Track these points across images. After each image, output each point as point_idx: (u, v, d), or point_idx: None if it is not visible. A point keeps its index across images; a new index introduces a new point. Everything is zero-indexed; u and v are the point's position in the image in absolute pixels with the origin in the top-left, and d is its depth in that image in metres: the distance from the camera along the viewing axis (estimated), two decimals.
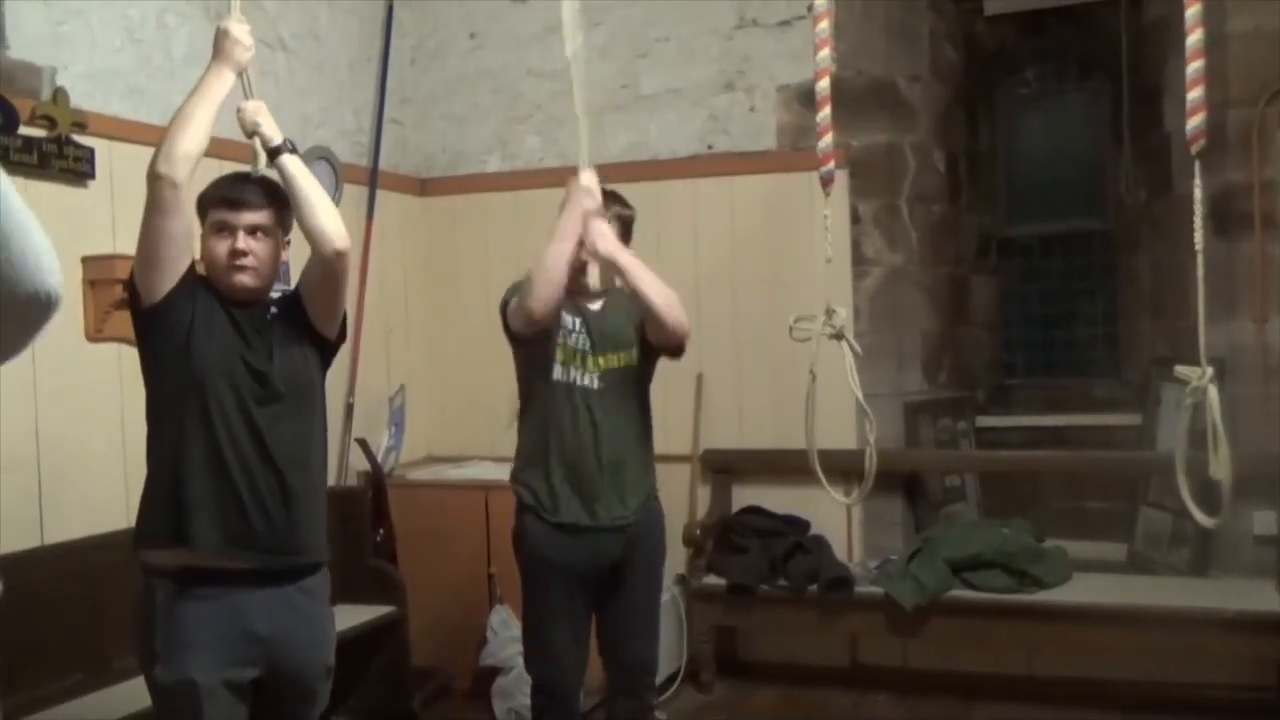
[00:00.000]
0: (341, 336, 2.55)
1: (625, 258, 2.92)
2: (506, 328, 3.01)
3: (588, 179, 2.91)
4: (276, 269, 2.42)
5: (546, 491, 2.96)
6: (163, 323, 2.32)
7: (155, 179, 2.23)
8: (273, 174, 2.41)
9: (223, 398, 2.30)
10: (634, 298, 2.94)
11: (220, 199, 2.37)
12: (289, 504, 2.33)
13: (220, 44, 2.34)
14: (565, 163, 4.62)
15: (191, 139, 2.25)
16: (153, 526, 2.35)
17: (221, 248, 2.35)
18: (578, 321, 2.98)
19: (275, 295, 2.48)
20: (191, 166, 2.25)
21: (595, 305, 3.03)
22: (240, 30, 2.34)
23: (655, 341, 3.00)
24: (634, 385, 3.05)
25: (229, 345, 2.33)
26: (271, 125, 2.40)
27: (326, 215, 2.37)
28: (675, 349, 3.01)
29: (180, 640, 2.28)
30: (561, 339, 2.96)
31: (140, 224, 2.30)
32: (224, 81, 2.34)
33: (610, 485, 2.96)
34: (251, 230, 2.35)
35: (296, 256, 2.51)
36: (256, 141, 2.41)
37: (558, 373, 2.96)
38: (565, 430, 2.95)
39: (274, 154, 2.38)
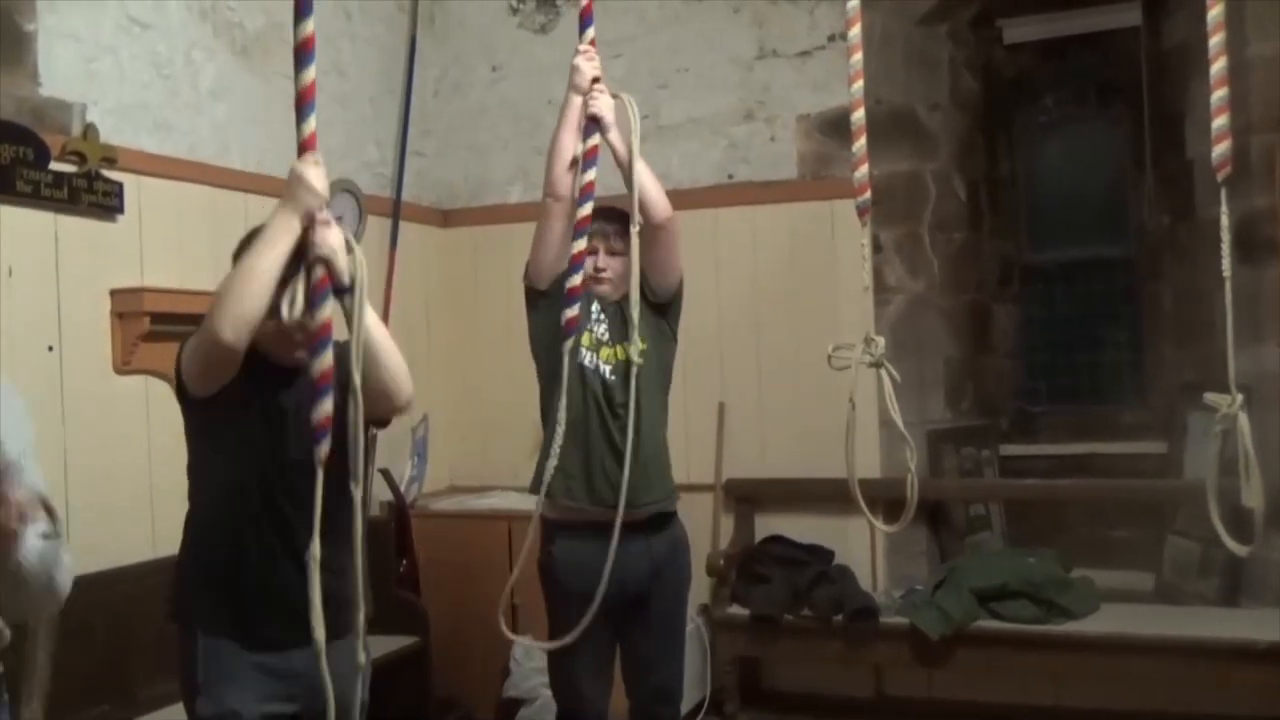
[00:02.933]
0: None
1: (618, 130, 2.93)
2: (530, 292, 3.05)
3: (578, 58, 2.91)
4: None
5: (566, 483, 2.95)
6: (209, 413, 2.31)
7: (218, 344, 2.06)
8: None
9: (254, 492, 2.30)
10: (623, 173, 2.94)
11: None
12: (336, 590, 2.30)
13: (292, 189, 1.96)
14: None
15: (257, 297, 2.03)
16: (196, 607, 2.38)
17: (279, 338, 2.20)
18: (599, 311, 3.02)
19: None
20: (252, 327, 2.06)
21: (610, 294, 3.05)
22: (314, 174, 1.95)
23: (645, 228, 2.96)
24: (649, 369, 3.03)
25: (273, 445, 2.30)
26: (343, 260, 1.93)
27: (397, 367, 2.27)
28: (663, 223, 2.97)
29: (221, 673, 2.30)
30: (586, 325, 2.98)
31: (193, 350, 2.20)
32: (292, 232, 1.97)
33: (631, 470, 2.94)
34: None
35: None
36: (318, 270, 1.87)
37: (581, 356, 2.98)
38: (584, 412, 2.95)
39: (341, 293, 1.95)
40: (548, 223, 2.99)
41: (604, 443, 2.96)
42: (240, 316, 2.05)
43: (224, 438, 2.32)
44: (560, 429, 2.76)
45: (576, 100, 2.91)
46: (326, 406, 1.74)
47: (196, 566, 2.38)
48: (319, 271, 1.85)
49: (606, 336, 3.02)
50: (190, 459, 2.41)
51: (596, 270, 3.01)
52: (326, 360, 1.75)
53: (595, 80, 2.87)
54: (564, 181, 2.92)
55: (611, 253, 3.02)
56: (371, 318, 2.15)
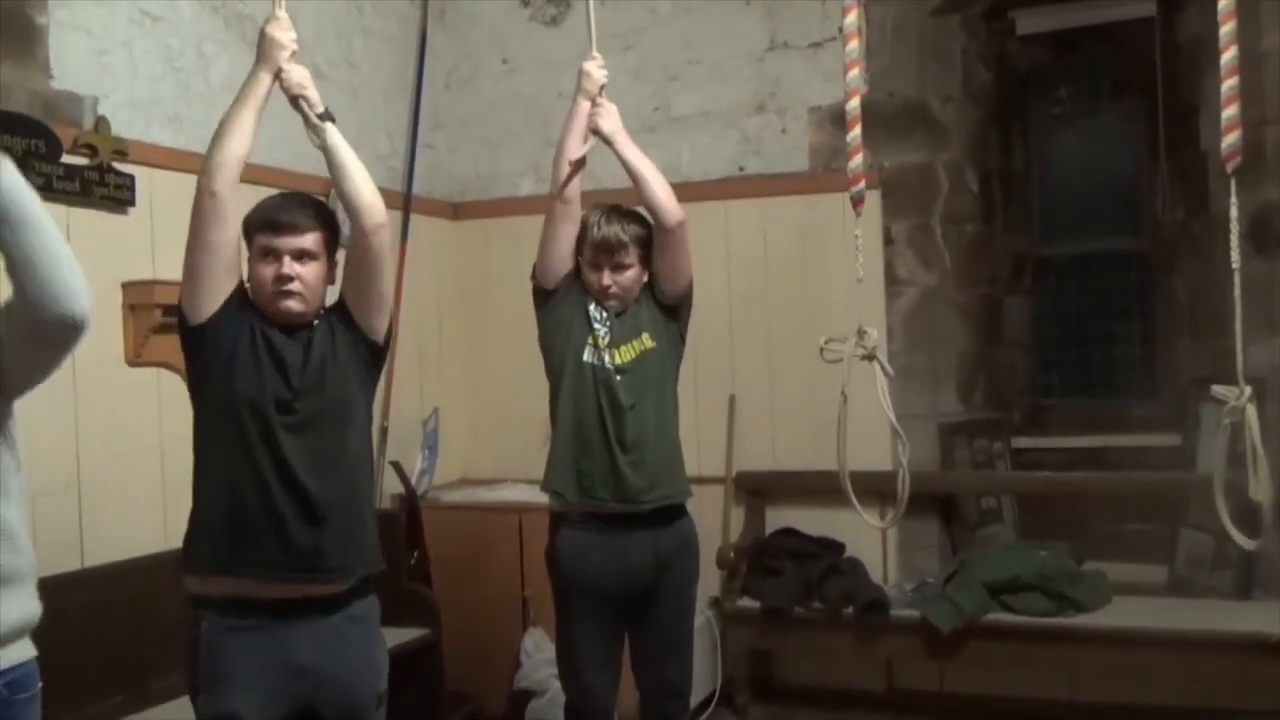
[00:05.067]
0: (388, 341, 2.53)
1: (625, 136, 3.00)
2: (538, 291, 3.06)
3: (588, 64, 2.98)
4: (324, 293, 2.40)
5: (575, 483, 2.96)
6: (207, 344, 2.32)
7: (202, 189, 2.24)
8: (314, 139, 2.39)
9: (251, 425, 2.29)
10: (633, 182, 2.98)
11: (265, 223, 2.35)
12: (318, 525, 2.32)
13: (260, 46, 2.32)
14: (598, 186, 4.62)
15: (229, 145, 2.25)
16: (194, 551, 2.37)
17: (267, 273, 2.33)
18: (603, 314, 3.02)
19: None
20: (231, 174, 2.24)
21: (618, 308, 3.05)
22: (278, 31, 2.31)
23: (655, 231, 3.00)
24: (655, 369, 3.05)
25: (266, 375, 2.31)
26: (314, 91, 2.36)
27: (368, 187, 2.37)
28: (672, 227, 2.98)
29: (222, 672, 2.28)
30: (591, 325, 2.99)
31: (188, 239, 2.31)
32: (261, 84, 2.31)
33: (632, 465, 2.96)
34: (298, 255, 2.33)
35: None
36: (303, 105, 2.36)
37: (587, 354, 2.98)
38: (589, 411, 2.96)
39: (320, 119, 2.35)
40: (554, 224, 3.01)
41: (608, 441, 2.96)
42: (223, 162, 2.23)
43: (222, 374, 2.32)
44: (567, 427, 2.78)
45: (584, 105, 2.97)
46: None
47: (201, 513, 2.37)
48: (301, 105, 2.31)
49: (610, 338, 3.01)
50: (194, 409, 2.41)
51: (604, 287, 3.01)
52: None
53: (601, 89, 2.94)
54: (569, 185, 2.95)
55: (617, 268, 3.00)
56: (340, 140, 2.37)
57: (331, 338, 2.40)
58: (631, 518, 2.95)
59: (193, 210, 2.26)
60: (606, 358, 2.99)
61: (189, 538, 2.39)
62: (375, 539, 2.48)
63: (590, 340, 2.99)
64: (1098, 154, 5.22)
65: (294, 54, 2.31)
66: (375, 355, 2.48)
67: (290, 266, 2.31)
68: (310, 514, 2.30)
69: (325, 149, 2.35)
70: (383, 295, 2.46)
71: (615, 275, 3.00)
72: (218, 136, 2.26)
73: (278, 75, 2.31)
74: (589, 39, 3.09)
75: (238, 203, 2.30)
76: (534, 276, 3.09)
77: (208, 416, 2.36)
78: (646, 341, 3.02)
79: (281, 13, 2.32)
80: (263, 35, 2.31)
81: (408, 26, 4.90)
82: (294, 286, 2.31)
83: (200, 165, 2.26)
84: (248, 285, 2.39)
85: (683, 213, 2.99)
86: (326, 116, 2.35)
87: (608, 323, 3.02)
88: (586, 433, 2.96)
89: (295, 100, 2.35)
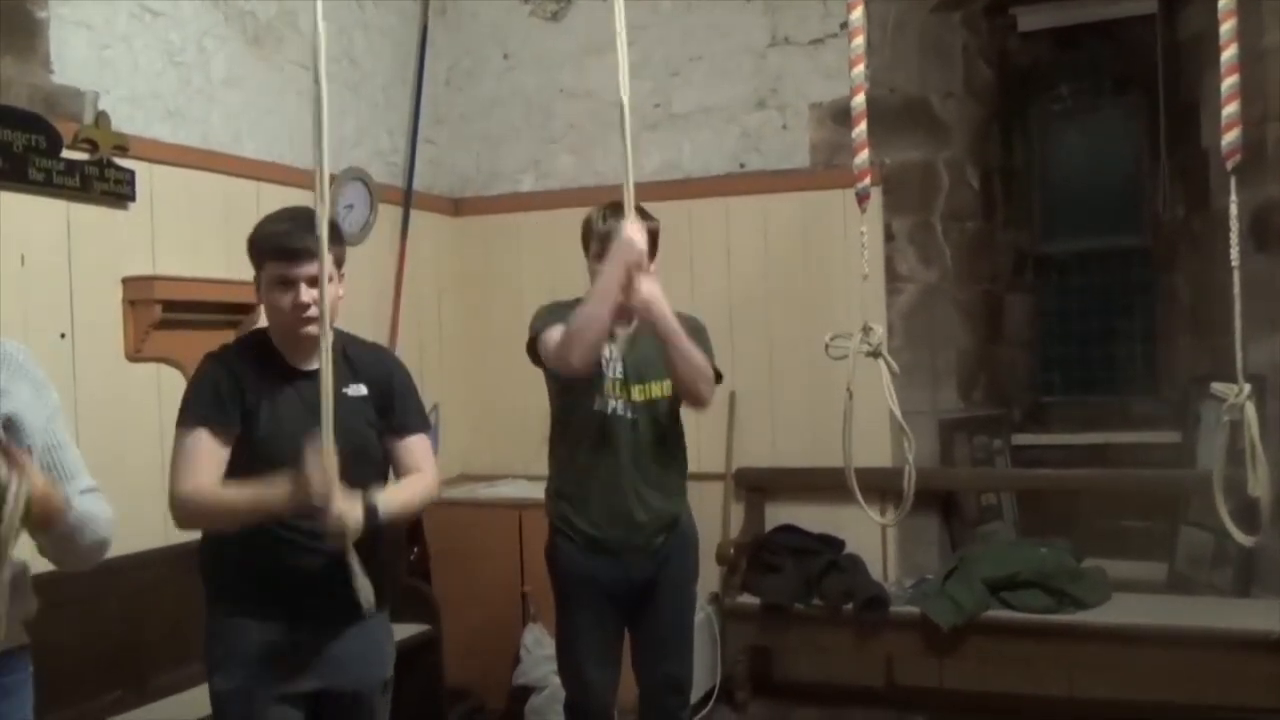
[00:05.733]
0: None
1: (671, 321, 2.83)
2: (536, 360, 3.02)
3: (631, 229, 2.72)
4: (338, 308, 2.39)
5: (580, 518, 2.99)
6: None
7: (173, 509, 2.31)
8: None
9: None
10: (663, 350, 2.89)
11: (278, 251, 2.31)
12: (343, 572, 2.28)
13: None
14: (599, 182, 4.65)
15: (211, 522, 2.35)
16: (223, 594, 2.40)
17: (285, 301, 2.32)
18: (613, 350, 2.97)
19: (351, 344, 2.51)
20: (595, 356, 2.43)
21: (626, 330, 3.00)
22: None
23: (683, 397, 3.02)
24: (667, 414, 3.05)
25: (291, 425, 2.29)
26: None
27: (423, 501, 2.47)
28: (698, 410, 3.01)
29: (237, 651, 2.32)
30: (600, 369, 2.94)
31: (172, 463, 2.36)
32: (276, 504, 2.21)
33: (641, 509, 2.97)
34: (312, 281, 2.27)
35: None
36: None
37: (597, 403, 2.96)
38: (600, 458, 2.95)
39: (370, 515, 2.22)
40: (568, 366, 2.85)
41: (616, 486, 2.95)
42: (197, 526, 2.36)
43: (244, 433, 2.34)
44: (571, 468, 2.80)
45: (619, 276, 2.73)
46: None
47: (220, 551, 2.40)
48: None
49: (623, 376, 2.98)
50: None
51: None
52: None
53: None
54: (590, 357, 2.82)
55: (619, 318, 2.90)
56: (397, 500, 2.40)
57: (366, 407, 2.45)
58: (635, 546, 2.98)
59: (171, 508, 2.32)
60: (617, 404, 2.96)
61: (211, 574, 2.45)
62: (397, 574, 2.53)
63: (599, 388, 2.96)
64: (1098, 151, 5.22)
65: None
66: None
67: (307, 294, 2.29)
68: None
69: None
70: None
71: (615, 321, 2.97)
72: (207, 513, 2.30)
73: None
74: (621, 79, 2.66)
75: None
76: (535, 355, 3.00)
77: (239, 465, 2.36)
78: (654, 390, 3.00)
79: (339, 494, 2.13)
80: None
81: (409, 22, 4.90)
82: (313, 313, 2.28)
83: (177, 503, 2.29)
84: (243, 333, 2.47)
85: (711, 396, 2.96)
86: (374, 514, 2.23)
87: (619, 362, 2.98)
88: (592, 476, 2.96)
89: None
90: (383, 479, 2.48)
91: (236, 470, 2.31)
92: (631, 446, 2.95)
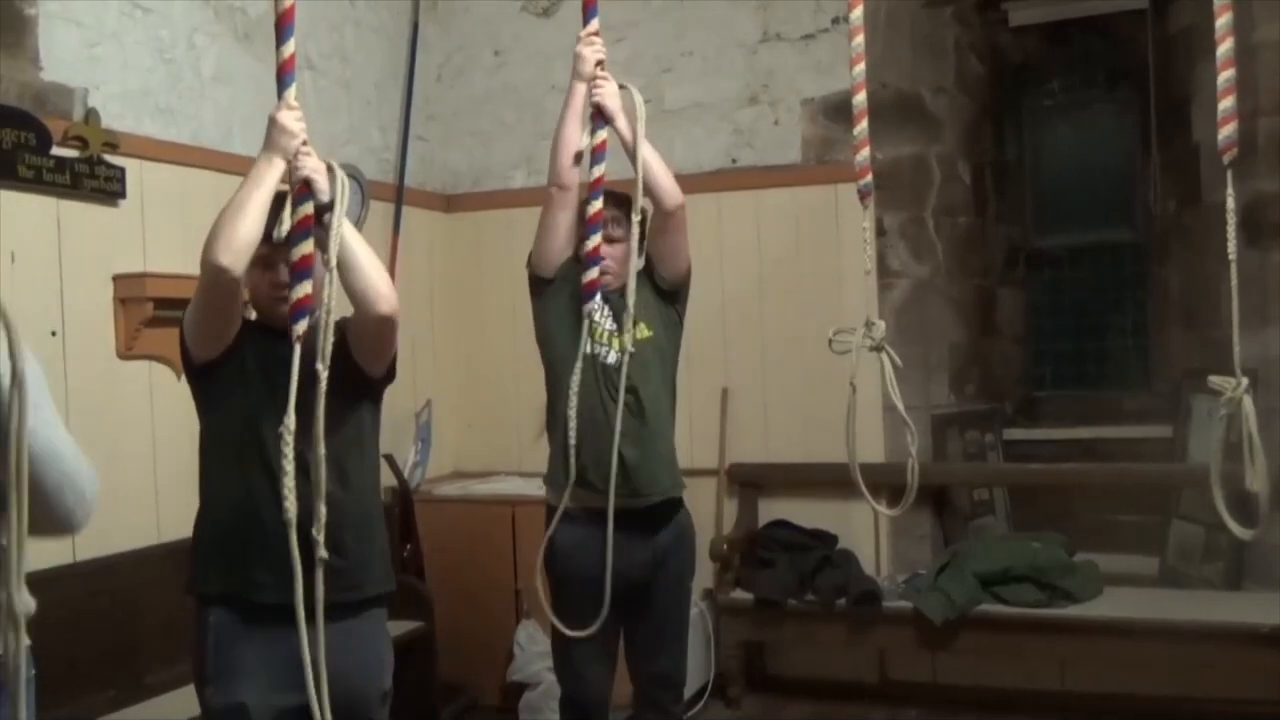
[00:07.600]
0: (390, 374, 2.51)
1: (625, 117, 2.90)
2: (535, 280, 3.03)
3: (580, 46, 2.85)
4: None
5: (574, 469, 2.89)
6: (213, 379, 2.33)
7: (217, 270, 2.16)
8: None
9: (257, 450, 2.28)
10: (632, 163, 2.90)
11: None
12: (339, 544, 2.27)
13: (269, 133, 2.18)
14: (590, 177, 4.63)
15: (249, 229, 2.17)
16: (203, 575, 2.38)
17: (264, 281, 2.33)
18: (602, 302, 2.98)
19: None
20: (246, 255, 2.18)
21: (617, 290, 2.99)
22: (288, 119, 2.15)
23: (655, 215, 2.98)
24: (655, 358, 3.04)
25: (271, 398, 2.22)
26: (323, 179, 2.16)
27: (377, 276, 2.29)
28: (672, 210, 2.97)
29: (231, 665, 2.29)
30: (590, 315, 2.91)
31: (194, 298, 2.28)
32: (275, 170, 2.19)
33: (635, 459, 2.94)
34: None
35: None
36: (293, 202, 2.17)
37: (587, 345, 2.93)
38: (590, 403, 2.92)
39: (323, 211, 2.17)
40: (552, 212, 2.98)
41: (611, 431, 2.94)
42: (232, 243, 2.16)
43: (227, 405, 2.32)
44: (572, 413, 2.76)
45: (580, 88, 2.87)
46: (305, 287, 2.01)
47: (206, 537, 2.38)
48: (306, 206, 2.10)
49: (613, 326, 3.00)
50: (200, 434, 2.41)
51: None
52: (306, 288, 2.01)
53: (599, 65, 2.84)
54: (569, 173, 2.92)
55: (610, 240, 2.94)
56: (350, 231, 2.24)
57: (337, 365, 2.39)
58: (632, 513, 2.93)
59: (209, 286, 2.21)
60: (607, 348, 2.98)
61: (196, 559, 2.39)
62: (388, 559, 2.50)
63: (590, 331, 2.97)
64: (1090, 145, 5.23)
65: (305, 141, 2.17)
66: (374, 386, 2.49)
67: (287, 274, 2.25)
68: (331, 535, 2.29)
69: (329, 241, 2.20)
70: (389, 356, 2.47)
71: (609, 247, 2.96)
72: (236, 218, 2.18)
73: (290, 158, 2.18)
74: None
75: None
76: (530, 264, 3.06)
77: (217, 437, 2.36)
78: (643, 330, 3.01)
79: (293, 100, 2.15)
80: (270, 122, 2.17)
81: (399, 18, 4.88)
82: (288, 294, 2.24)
83: (216, 244, 2.16)
84: (247, 305, 2.39)
85: (682, 196, 2.98)
86: (328, 208, 2.16)
87: (607, 311, 3.01)
88: (587, 426, 2.94)
89: (299, 186, 2.17)
90: (366, 445, 2.48)
91: (213, 430, 2.35)
92: (624, 393, 2.92)
